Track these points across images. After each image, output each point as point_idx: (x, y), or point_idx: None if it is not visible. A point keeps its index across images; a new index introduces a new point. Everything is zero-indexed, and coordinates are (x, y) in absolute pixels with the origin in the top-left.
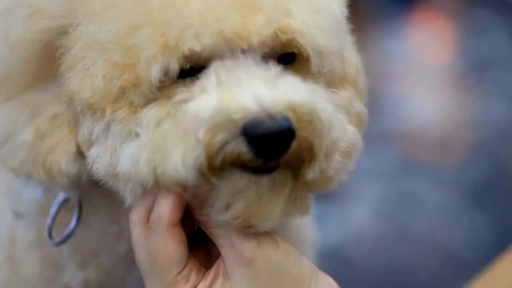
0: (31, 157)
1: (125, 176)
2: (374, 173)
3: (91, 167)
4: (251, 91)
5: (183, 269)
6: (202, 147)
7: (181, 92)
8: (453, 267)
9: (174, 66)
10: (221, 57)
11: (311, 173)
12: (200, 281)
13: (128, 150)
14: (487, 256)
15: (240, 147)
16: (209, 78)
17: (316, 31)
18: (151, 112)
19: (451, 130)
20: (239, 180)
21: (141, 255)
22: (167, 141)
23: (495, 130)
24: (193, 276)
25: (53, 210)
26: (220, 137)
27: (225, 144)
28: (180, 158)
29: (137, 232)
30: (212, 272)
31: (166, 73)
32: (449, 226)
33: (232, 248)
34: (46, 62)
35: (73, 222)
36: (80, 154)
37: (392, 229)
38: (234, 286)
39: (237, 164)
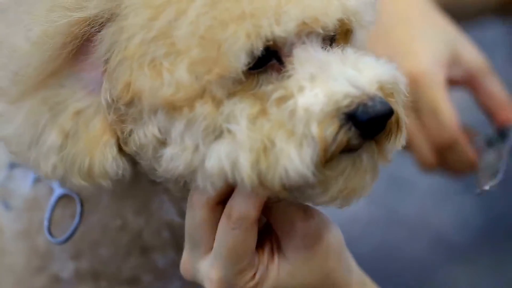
0: (64, 162)
1: (214, 173)
2: None
3: (163, 166)
4: (344, 77)
5: (252, 258)
6: (317, 142)
7: (274, 90)
8: (442, 250)
9: (258, 52)
10: (293, 42)
11: (396, 143)
12: (259, 262)
13: (221, 148)
14: (475, 240)
15: (349, 133)
16: (300, 73)
17: (365, 7)
18: (241, 108)
19: None
20: (342, 163)
21: (198, 235)
22: (274, 141)
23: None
24: (256, 260)
25: (49, 208)
26: (332, 128)
27: (337, 133)
28: (298, 158)
29: (202, 214)
30: (266, 251)
31: (251, 59)
32: (438, 210)
33: (294, 234)
34: (65, 56)
35: (76, 220)
36: (121, 152)
37: (382, 213)
38: (292, 268)
39: (344, 150)
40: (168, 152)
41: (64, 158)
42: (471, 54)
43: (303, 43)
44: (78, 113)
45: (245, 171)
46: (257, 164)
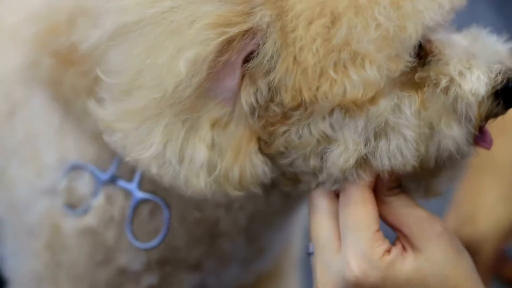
0: (216, 176)
1: (384, 167)
2: None
3: (329, 161)
4: (489, 56)
5: (378, 229)
6: (475, 119)
7: (434, 77)
8: None
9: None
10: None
11: None
12: (391, 247)
13: (391, 143)
14: None
15: (498, 106)
16: (452, 57)
17: None
18: (406, 102)
19: None
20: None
21: (326, 232)
22: (436, 127)
23: None
24: (387, 240)
25: (129, 217)
26: (486, 105)
27: (489, 109)
28: (459, 138)
29: (326, 205)
30: (398, 245)
31: (417, 51)
32: (433, 205)
33: (422, 224)
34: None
35: (164, 227)
36: (267, 156)
37: None
38: (429, 257)
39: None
40: (338, 148)
41: (215, 173)
42: None
43: (440, 28)
44: (214, 124)
45: (411, 161)
46: (420, 152)
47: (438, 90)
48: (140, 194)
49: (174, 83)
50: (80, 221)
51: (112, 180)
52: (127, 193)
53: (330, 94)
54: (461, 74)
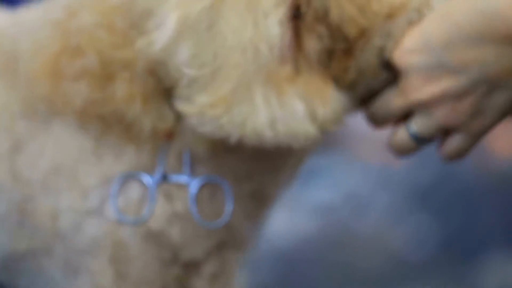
0: (320, 120)
1: None
2: (319, 174)
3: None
4: None
5: None
6: None
7: None
8: (398, 269)
9: None
10: None
11: None
12: None
13: None
14: (431, 258)
15: None
16: None
17: None
18: None
19: None
20: None
21: None
22: None
23: None
24: None
25: (192, 206)
26: None
27: None
28: None
29: None
30: None
31: None
32: (394, 228)
33: None
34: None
35: (229, 206)
36: (345, 88)
37: (337, 231)
38: None
39: None
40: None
41: (318, 117)
42: None
43: None
44: (289, 80)
45: None
46: None
47: None
48: (195, 183)
49: (269, 48)
50: (141, 228)
51: (164, 178)
52: (182, 184)
53: (378, 8)
54: None
